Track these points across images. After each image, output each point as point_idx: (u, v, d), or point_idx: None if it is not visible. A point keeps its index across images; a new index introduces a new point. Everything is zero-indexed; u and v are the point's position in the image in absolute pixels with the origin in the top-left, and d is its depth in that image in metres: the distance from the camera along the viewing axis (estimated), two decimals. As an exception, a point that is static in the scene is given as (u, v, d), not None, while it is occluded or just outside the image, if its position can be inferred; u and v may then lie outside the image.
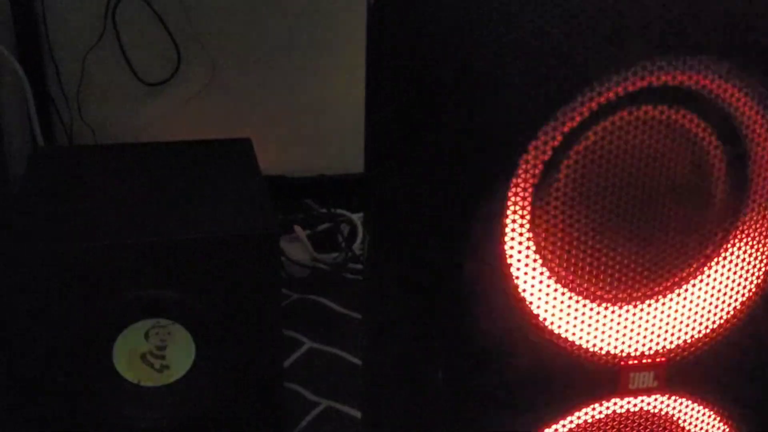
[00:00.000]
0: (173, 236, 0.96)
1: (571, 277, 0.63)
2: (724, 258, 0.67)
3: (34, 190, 1.07)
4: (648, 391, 0.68)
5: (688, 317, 0.67)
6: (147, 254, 0.94)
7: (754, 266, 0.67)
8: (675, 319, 0.67)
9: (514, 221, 0.61)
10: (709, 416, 0.71)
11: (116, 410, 0.99)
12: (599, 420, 0.69)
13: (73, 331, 0.94)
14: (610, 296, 0.65)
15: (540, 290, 0.63)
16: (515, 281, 0.62)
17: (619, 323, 0.66)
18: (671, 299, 0.66)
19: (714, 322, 0.68)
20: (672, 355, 0.67)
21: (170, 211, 1.01)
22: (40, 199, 1.04)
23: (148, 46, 1.52)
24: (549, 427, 0.68)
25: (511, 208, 0.60)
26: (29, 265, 0.92)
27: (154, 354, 0.99)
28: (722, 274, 0.67)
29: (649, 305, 0.66)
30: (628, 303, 0.66)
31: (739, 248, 0.67)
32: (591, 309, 0.65)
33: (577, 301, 0.64)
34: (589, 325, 0.65)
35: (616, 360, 0.66)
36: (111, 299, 0.95)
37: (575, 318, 0.64)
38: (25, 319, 0.93)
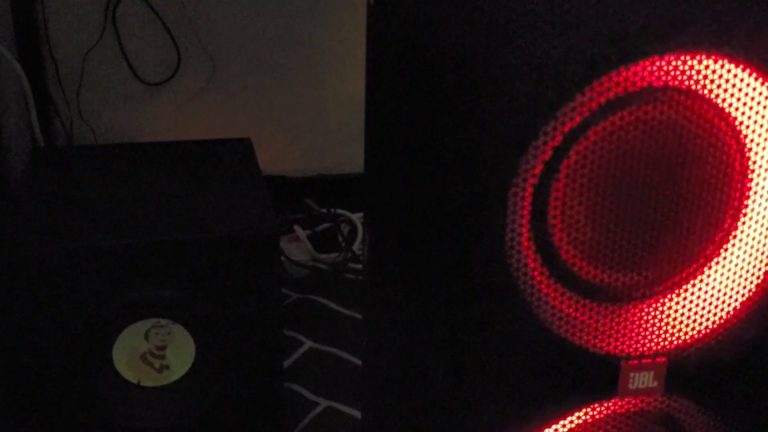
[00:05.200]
0: (173, 236, 0.95)
1: (571, 276, 0.63)
2: (725, 258, 0.67)
3: (34, 190, 1.07)
4: (648, 391, 0.68)
5: (688, 317, 0.67)
6: (147, 254, 0.94)
7: (755, 266, 0.67)
8: (675, 319, 0.67)
9: (514, 221, 0.61)
10: (709, 416, 0.71)
11: (116, 410, 0.99)
12: (599, 420, 0.69)
13: (73, 331, 0.94)
14: (611, 295, 0.65)
15: (540, 290, 0.63)
16: (515, 281, 0.62)
17: (619, 323, 0.66)
18: (671, 299, 0.66)
19: (714, 322, 0.68)
20: (672, 355, 0.67)
21: (170, 211, 1.01)
22: (40, 199, 1.04)
23: (148, 46, 1.52)
24: (549, 427, 0.68)
25: (511, 207, 0.60)
26: (29, 265, 0.92)
27: (154, 354, 0.99)
28: (722, 274, 0.67)
29: (649, 305, 0.66)
30: (629, 302, 0.66)
31: (740, 248, 0.67)
32: (591, 309, 0.65)
33: (577, 301, 0.64)
34: (589, 325, 0.65)
35: (616, 360, 0.66)
36: (111, 299, 0.95)
37: (575, 318, 0.64)
38: (25, 319, 0.93)
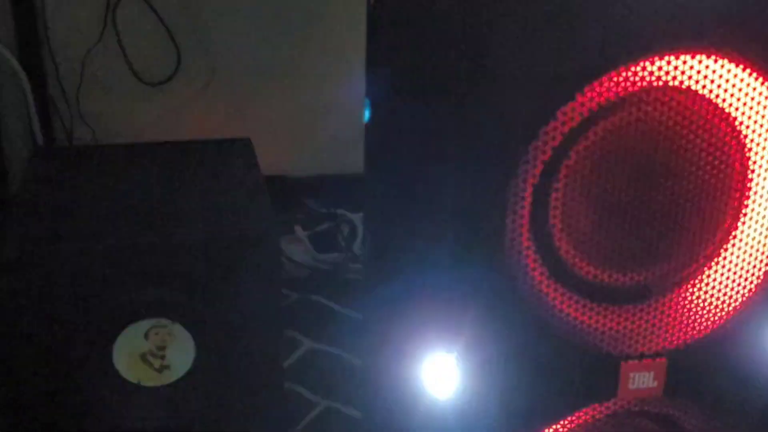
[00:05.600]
0: (173, 236, 0.95)
1: (571, 276, 0.63)
2: (725, 258, 0.67)
3: (34, 190, 1.07)
4: (648, 391, 0.68)
5: (689, 317, 0.67)
6: (147, 254, 0.94)
7: (755, 266, 0.67)
8: (675, 319, 0.67)
9: (514, 221, 0.61)
10: (709, 416, 0.71)
11: (116, 410, 0.99)
12: (599, 420, 0.69)
13: (73, 331, 0.94)
14: (611, 295, 0.65)
15: (540, 290, 0.63)
16: (516, 281, 0.62)
17: (619, 323, 0.66)
18: (671, 299, 0.66)
19: (714, 322, 0.68)
20: (672, 355, 0.67)
21: (170, 211, 1.01)
22: (40, 199, 1.04)
23: (148, 46, 1.52)
24: (549, 426, 0.68)
25: (511, 207, 0.60)
26: (29, 265, 0.92)
27: (154, 354, 0.99)
28: (722, 274, 0.67)
29: (649, 305, 0.66)
30: (629, 302, 0.66)
31: (740, 248, 0.67)
32: (591, 309, 0.65)
33: (577, 301, 0.64)
34: (589, 325, 0.65)
35: (616, 360, 0.66)
36: (111, 299, 0.94)
37: (575, 318, 0.64)
38: (25, 319, 0.93)
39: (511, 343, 0.64)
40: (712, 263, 0.66)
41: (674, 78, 0.60)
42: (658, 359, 0.67)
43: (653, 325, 0.66)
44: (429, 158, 0.63)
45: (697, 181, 0.63)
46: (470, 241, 0.61)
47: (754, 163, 0.65)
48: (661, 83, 0.60)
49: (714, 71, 0.61)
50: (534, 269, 0.62)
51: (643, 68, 0.59)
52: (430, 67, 0.61)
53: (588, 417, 0.68)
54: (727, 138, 0.63)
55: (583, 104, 0.59)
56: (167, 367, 1.00)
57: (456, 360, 0.64)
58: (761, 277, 0.68)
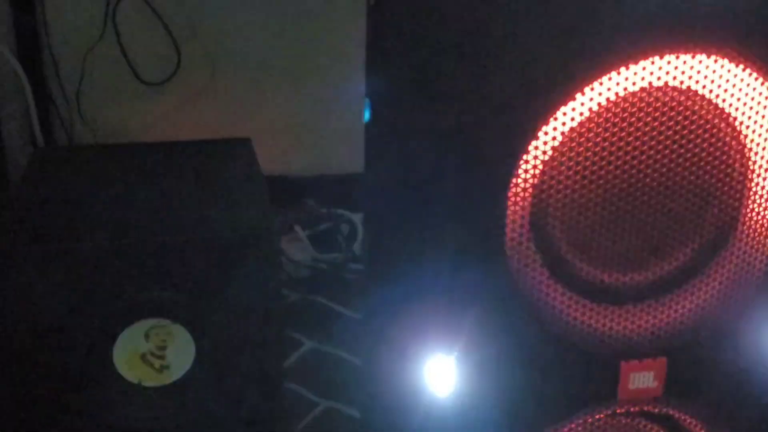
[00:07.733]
0: (173, 236, 0.95)
1: (571, 276, 0.63)
2: (725, 257, 0.67)
3: (34, 190, 1.07)
4: (648, 391, 0.68)
5: (689, 317, 0.67)
6: (147, 254, 0.94)
7: (754, 266, 0.67)
8: (675, 319, 0.67)
9: (514, 220, 0.61)
10: (709, 416, 0.71)
11: (116, 410, 0.99)
12: (599, 420, 0.69)
13: (73, 331, 0.94)
14: (611, 295, 0.65)
15: (540, 290, 0.63)
16: (515, 281, 0.62)
17: (619, 323, 0.66)
18: (671, 299, 0.66)
19: (714, 322, 0.68)
20: (672, 355, 0.67)
21: (170, 211, 1.01)
22: (40, 199, 1.04)
23: (148, 46, 1.52)
24: (549, 427, 0.68)
25: (511, 207, 0.60)
26: (29, 265, 0.92)
27: (154, 354, 0.99)
28: (722, 274, 0.67)
29: (649, 305, 0.66)
30: (629, 302, 0.66)
31: (739, 248, 0.67)
32: (591, 309, 0.65)
33: (577, 301, 0.64)
34: (589, 325, 0.65)
35: (616, 360, 0.66)
36: (111, 299, 0.94)
37: (575, 318, 0.64)
38: (25, 319, 0.93)
39: (511, 344, 0.64)
40: (712, 263, 0.66)
41: (674, 78, 0.60)
42: (658, 359, 0.67)
43: (653, 325, 0.66)
44: (429, 158, 0.63)
45: (696, 181, 0.63)
46: (470, 242, 0.61)
47: (754, 163, 0.65)
48: (661, 83, 0.60)
49: (714, 71, 0.61)
50: (534, 269, 0.62)
51: (643, 68, 0.59)
52: (429, 66, 0.61)
53: (588, 417, 0.68)
54: (727, 138, 0.63)
55: (583, 104, 0.59)
56: (167, 367, 1.00)
57: (456, 361, 0.64)
58: (761, 277, 0.68)
